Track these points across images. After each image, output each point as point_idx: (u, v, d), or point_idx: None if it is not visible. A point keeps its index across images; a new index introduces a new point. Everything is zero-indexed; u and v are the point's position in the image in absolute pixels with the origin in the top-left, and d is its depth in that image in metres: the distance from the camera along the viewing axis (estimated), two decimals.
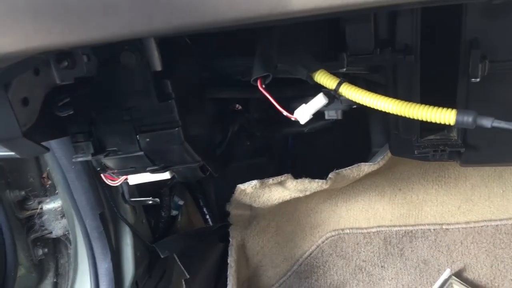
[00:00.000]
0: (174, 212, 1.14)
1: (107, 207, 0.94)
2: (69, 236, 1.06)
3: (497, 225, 1.15)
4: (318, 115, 0.97)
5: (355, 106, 0.94)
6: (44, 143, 0.66)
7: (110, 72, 0.61)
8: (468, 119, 0.56)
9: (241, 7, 0.37)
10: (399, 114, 0.60)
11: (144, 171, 0.72)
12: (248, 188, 1.02)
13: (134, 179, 0.77)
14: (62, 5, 0.39)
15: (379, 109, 0.62)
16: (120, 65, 0.59)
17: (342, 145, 1.25)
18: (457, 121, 0.56)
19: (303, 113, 0.64)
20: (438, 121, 0.57)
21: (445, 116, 0.56)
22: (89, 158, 0.65)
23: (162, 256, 0.99)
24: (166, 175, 0.76)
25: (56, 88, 0.62)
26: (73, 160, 0.67)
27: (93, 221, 0.94)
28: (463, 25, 0.70)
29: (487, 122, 0.55)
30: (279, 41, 0.68)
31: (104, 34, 0.41)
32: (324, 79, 0.65)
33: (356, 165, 1.04)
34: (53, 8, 0.40)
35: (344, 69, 0.73)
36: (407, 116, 0.59)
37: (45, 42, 0.42)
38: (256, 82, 0.62)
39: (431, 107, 0.58)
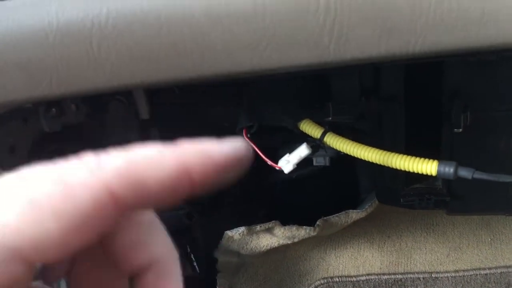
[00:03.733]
0: None
1: None
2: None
3: (486, 274, 1.14)
4: (307, 161, 0.98)
5: (343, 153, 0.95)
6: None
7: (98, 121, 0.62)
8: (450, 170, 0.57)
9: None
10: (382, 163, 0.61)
11: None
12: (235, 235, 1.01)
13: None
14: (50, 59, 0.40)
15: (363, 158, 0.63)
16: (108, 113, 0.60)
17: (331, 191, 1.25)
18: (438, 172, 0.57)
19: (287, 163, 0.64)
20: (420, 172, 0.58)
21: (427, 167, 0.57)
22: None
23: None
24: None
25: (43, 136, 0.63)
26: None
27: None
28: (445, 76, 0.72)
29: (468, 174, 0.56)
30: (265, 90, 0.70)
31: (91, 86, 0.42)
32: (309, 128, 0.66)
33: (344, 212, 1.04)
34: (42, 61, 0.41)
35: (330, 118, 0.75)
36: (390, 166, 0.60)
37: (33, 94, 0.43)
38: (241, 132, 0.64)
39: (413, 158, 0.59)
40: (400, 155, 0.59)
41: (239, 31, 0.36)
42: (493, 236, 1.17)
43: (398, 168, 0.59)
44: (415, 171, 0.59)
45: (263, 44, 0.36)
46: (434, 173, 0.57)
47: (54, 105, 0.60)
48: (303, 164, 0.89)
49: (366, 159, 0.62)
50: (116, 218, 0.17)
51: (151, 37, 0.37)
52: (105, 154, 0.18)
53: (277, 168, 0.65)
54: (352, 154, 0.63)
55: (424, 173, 0.58)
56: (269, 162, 0.65)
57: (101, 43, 0.39)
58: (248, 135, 0.64)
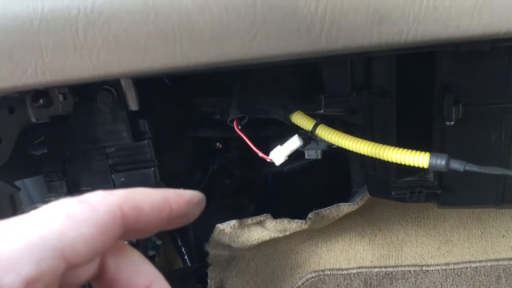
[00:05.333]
0: (151, 252, 1.11)
1: None
2: None
3: (476, 267, 1.14)
4: (298, 154, 0.98)
5: (334, 146, 0.94)
6: (18, 182, 0.65)
7: (86, 111, 0.61)
8: (441, 162, 0.56)
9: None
10: (374, 156, 0.60)
11: None
12: (226, 228, 1.00)
13: None
14: (35, 46, 0.39)
15: (355, 151, 0.62)
16: (96, 104, 0.59)
17: (322, 184, 1.25)
18: (430, 164, 0.57)
19: (278, 155, 0.64)
20: (412, 164, 0.58)
21: (419, 159, 0.57)
22: (62, 197, 0.64)
23: None
24: None
25: (30, 126, 0.62)
26: (46, 199, 0.66)
27: None
28: (437, 69, 0.72)
29: (459, 166, 0.56)
30: (256, 82, 0.69)
31: (77, 75, 0.41)
32: (301, 120, 0.66)
33: (335, 205, 1.04)
34: (27, 48, 0.40)
35: (322, 111, 0.74)
36: (381, 158, 0.60)
37: (18, 83, 0.42)
38: (232, 123, 0.63)
39: (405, 150, 0.58)
40: (392, 148, 0.59)
41: (228, 18, 0.35)
42: (484, 229, 1.17)
43: (390, 160, 0.59)
44: (407, 164, 0.58)
45: (253, 32, 0.35)
46: (426, 165, 0.57)
47: (42, 95, 0.59)
48: (294, 157, 0.88)
49: (358, 152, 0.61)
50: (121, 232, 0.24)
51: (138, 24, 0.36)
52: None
53: (268, 160, 0.64)
54: (344, 147, 0.62)
55: (416, 165, 0.58)
56: (260, 154, 0.64)
57: (87, 31, 0.38)
58: (239, 127, 0.63)
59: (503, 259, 1.15)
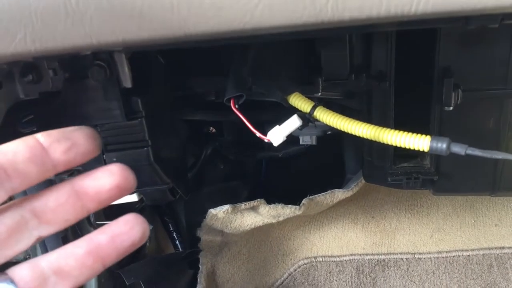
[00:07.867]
0: None
1: (71, 230, 0.90)
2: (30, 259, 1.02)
3: (468, 255, 1.15)
4: (293, 140, 0.96)
5: (329, 132, 0.93)
6: None
7: (77, 88, 0.59)
8: (442, 145, 0.55)
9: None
10: (373, 139, 0.59)
11: None
12: (219, 213, 0.99)
13: None
14: (25, 10, 0.37)
15: (354, 133, 0.61)
16: (87, 80, 0.57)
17: (316, 171, 1.24)
18: (431, 148, 0.56)
19: (277, 135, 0.62)
20: (412, 147, 0.57)
21: (419, 142, 0.56)
22: (51, 177, 0.62)
23: (127, 283, 0.94)
24: (133, 197, 0.73)
25: (19, 103, 0.60)
26: None
27: (55, 244, 0.89)
28: (437, 53, 0.71)
29: (460, 150, 0.55)
30: (254, 62, 0.67)
31: (69, 43, 0.39)
32: (299, 102, 0.64)
33: (329, 191, 1.03)
34: (16, 13, 0.38)
35: (319, 94, 0.73)
36: (381, 141, 0.58)
37: (6, 50, 0.40)
38: (229, 102, 0.61)
39: (405, 133, 0.57)
40: (392, 131, 0.57)
41: None
42: (476, 218, 1.17)
43: (390, 143, 0.58)
44: (407, 147, 0.57)
45: (255, 0, 0.34)
46: (426, 148, 0.56)
47: (31, 69, 0.57)
48: (289, 143, 0.86)
49: (357, 135, 0.60)
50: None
51: None
52: None
53: (266, 140, 0.63)
54: (343, 129, 0.61)
55: (417, 149, 0.57)
56: (258, 134, 0.63)
57: None
58: (236, 106, 0.61)
59: (495, 248, 1.15)
